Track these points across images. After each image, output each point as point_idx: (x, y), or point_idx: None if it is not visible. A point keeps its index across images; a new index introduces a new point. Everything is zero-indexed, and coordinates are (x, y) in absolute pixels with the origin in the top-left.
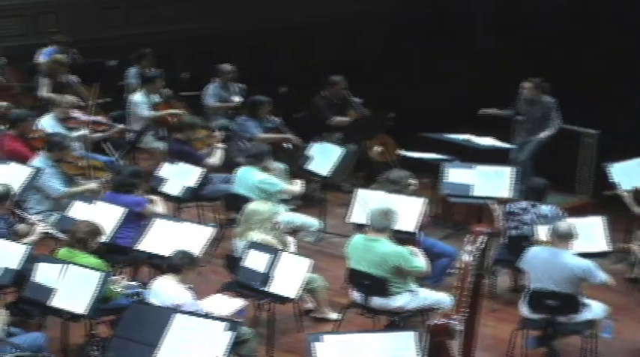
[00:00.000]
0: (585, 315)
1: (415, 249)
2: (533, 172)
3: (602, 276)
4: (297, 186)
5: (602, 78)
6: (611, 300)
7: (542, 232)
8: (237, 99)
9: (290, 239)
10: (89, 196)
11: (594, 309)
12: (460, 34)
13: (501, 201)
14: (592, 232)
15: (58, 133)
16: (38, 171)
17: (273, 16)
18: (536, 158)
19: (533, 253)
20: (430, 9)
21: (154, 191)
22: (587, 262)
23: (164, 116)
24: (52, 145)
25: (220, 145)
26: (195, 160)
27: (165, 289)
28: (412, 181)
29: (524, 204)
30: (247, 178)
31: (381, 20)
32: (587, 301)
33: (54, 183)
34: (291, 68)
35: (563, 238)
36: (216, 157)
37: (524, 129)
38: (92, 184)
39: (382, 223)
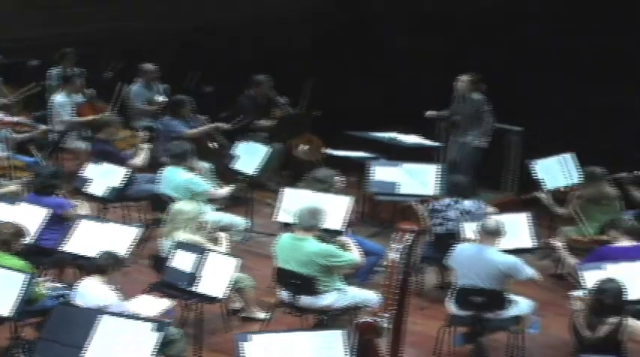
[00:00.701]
0: (512, 311)
1: (347, 240)
2: (470, 173)
3: (528, 272)
4: (225, 191)
5: (526, 76)
6: (537, 296)
7: (469, 229)
8: (160, 99)
9: (222, 234)
10: (11, 198)
11: (521, 305)
12: (385, 33)
13: (423, 200)
14: (517, 228)
15: None
16: None
17: (203, 15)
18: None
19: (460, 249)
20: (356, 9)
21: (78, 192)
22: (513, 259)
23: (88, 121)
24: None
25: (145, 145)
26: (119, 160)
27: (91, 291)
28: (338, 179)
29: (446, 201)
30: (172, 177)
31: (308, 20)
32: (513, 297)
33: None
34: (224, 67)
35: (490, 234)
36: (140, 158)
37: (458, 127)
38: (12, 187)
39: (309, 222)
